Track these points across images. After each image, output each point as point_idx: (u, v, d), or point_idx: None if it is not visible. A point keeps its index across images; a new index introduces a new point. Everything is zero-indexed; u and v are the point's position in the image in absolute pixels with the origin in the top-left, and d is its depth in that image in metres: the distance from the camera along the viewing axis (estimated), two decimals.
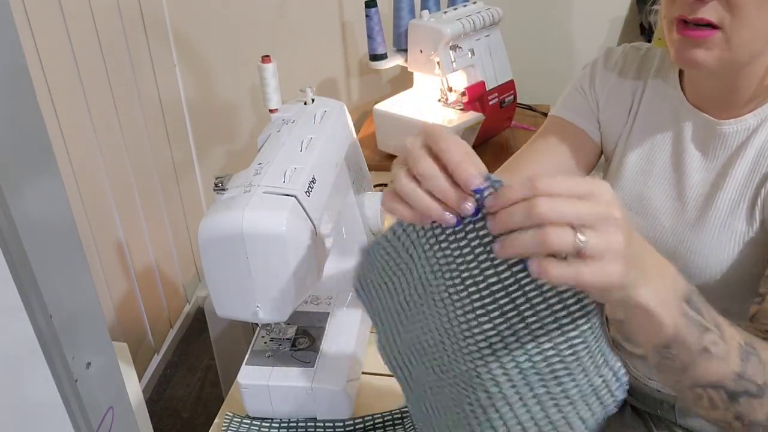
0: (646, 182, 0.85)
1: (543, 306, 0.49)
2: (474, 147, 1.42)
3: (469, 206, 0.48)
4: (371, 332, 0.94)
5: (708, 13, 0.66)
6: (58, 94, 1.43)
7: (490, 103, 1.38)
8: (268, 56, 0.83)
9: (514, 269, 0.49)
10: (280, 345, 0.82)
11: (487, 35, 1.38)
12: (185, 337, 2.12)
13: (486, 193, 0.47)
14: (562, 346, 0.49)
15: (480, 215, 0.48)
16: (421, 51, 1.32)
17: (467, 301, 0.51)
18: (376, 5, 1.34)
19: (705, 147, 0.80)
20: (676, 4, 0.69)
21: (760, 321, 0.67)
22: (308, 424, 0.80)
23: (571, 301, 0.48)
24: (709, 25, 0.67)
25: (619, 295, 0.48)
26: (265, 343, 0.83)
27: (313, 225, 0.71)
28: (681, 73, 0.83)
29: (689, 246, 0.80)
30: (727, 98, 0.77)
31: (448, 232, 0.51)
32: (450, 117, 1.35)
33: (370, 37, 1.35)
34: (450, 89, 1.37)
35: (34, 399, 0.43)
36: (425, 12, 1.32)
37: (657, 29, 0.84)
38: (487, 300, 0.50)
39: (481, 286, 0.50)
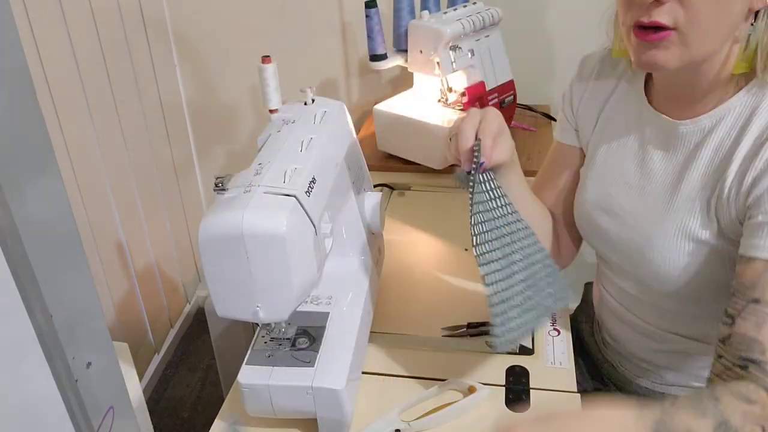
0: (612, 182, 0.88)
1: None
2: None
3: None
4: (371, 332, 0.94)
5: (662, 16, 0.69)
6: (58, 94, 1.43)
7: (490, 103, 1.38)
8: (268, 56, 0.83)
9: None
10: (280, 345, 0.82)
11: (487, 36, 1.38)
12: (185, 337, 2.12)
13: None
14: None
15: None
16: (421, 51, 1.31)
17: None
18: (376, 5, 1.33)
19: (666, 148, 0.82)
20: (632, 10, 0.71)
21: (734, 346, 0.67)
22: None
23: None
24: (665, 28, 0.69)
25: None
26: (265, 343, 0.83)
27: (313, 225, 0.72)
28: (648, 77, 0.85)
29: (653, 246, 0.81)
30: (686, 98, 0.79)
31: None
32: (450, 117, 1.35)
33: (370, 37, 1.35)
34: (450, 89, 1.37)
35: (35, 399, 0.43)
36: (425, 12, 1.32)
37: (615, 38, 0.86)
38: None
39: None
